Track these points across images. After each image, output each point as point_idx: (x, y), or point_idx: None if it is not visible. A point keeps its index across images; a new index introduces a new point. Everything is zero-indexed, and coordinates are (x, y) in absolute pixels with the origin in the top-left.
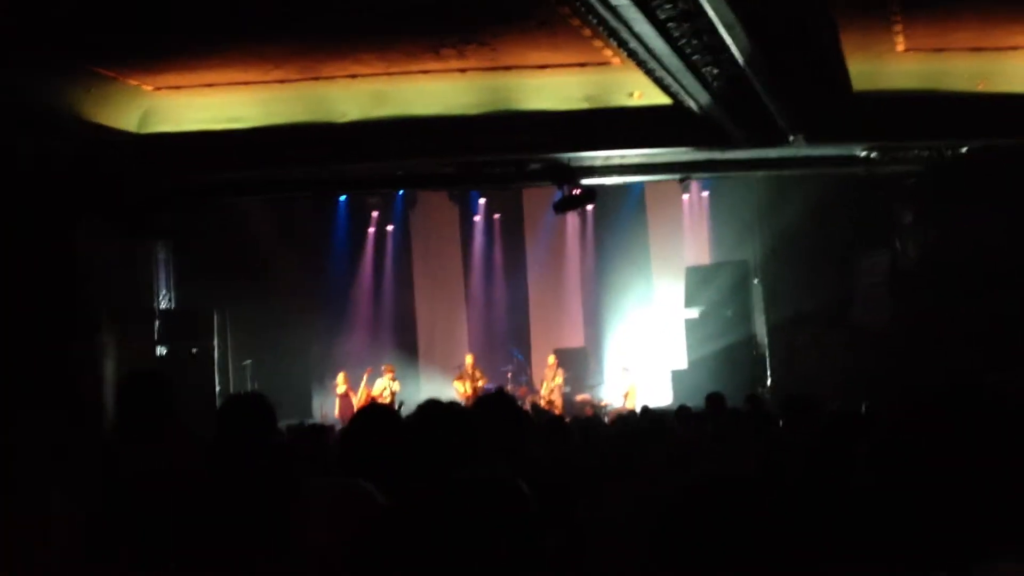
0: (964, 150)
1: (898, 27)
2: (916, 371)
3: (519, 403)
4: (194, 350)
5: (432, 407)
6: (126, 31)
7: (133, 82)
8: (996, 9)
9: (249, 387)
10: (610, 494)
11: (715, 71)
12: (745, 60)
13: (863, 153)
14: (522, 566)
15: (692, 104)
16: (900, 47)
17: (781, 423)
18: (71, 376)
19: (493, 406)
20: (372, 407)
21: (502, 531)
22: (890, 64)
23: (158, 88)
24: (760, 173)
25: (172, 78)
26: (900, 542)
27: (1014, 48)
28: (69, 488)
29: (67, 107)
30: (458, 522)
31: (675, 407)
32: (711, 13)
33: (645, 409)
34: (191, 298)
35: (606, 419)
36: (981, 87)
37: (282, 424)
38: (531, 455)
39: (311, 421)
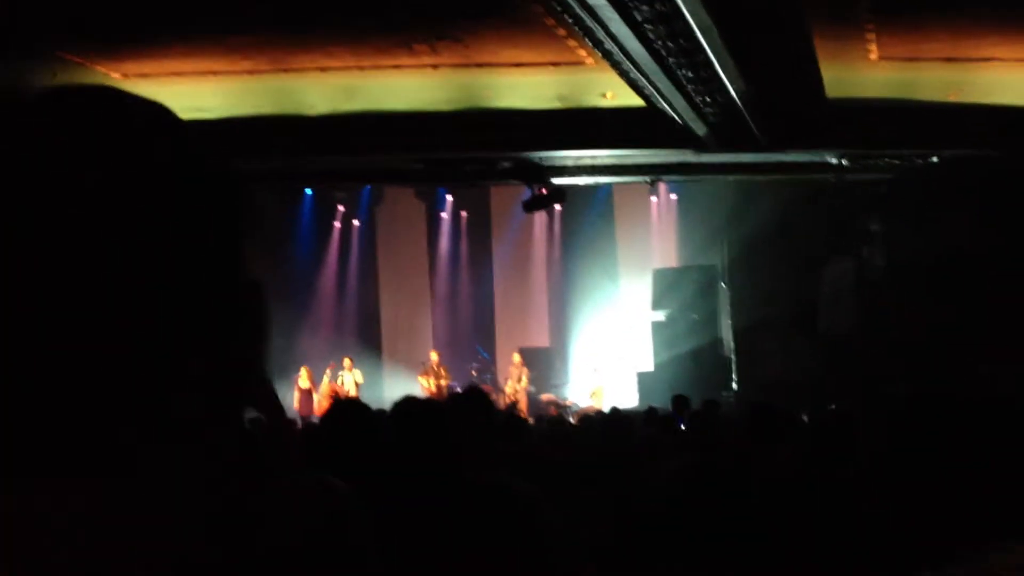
0: (934, 159)
1: (871, 35)
2: (880, 377)
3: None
4: None
5: (410, 404)
6: (94, 15)
7: (100, 69)
8: (969, 21)
9: None
10: (577, 492)
11: (690, 74)
12: (720, 64)
13: (834, 160)
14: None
15: (665, 106)
16: (873, 55)
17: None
18: None
19: (469, 404)
20: (345, 402)
21: (516, 540)
22: (863, 72)
23: (125, 76)
24: (731, 177)
25: (140, 66)
26: (884, 543)
27: (986, 59)
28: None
29: (31, 93)
30: (472, 527)
31: (640, 409)
32: (688, 16)
33: (614, 409)
34: None
35: (572, 418)
36: (953, 97)
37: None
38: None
39: None
